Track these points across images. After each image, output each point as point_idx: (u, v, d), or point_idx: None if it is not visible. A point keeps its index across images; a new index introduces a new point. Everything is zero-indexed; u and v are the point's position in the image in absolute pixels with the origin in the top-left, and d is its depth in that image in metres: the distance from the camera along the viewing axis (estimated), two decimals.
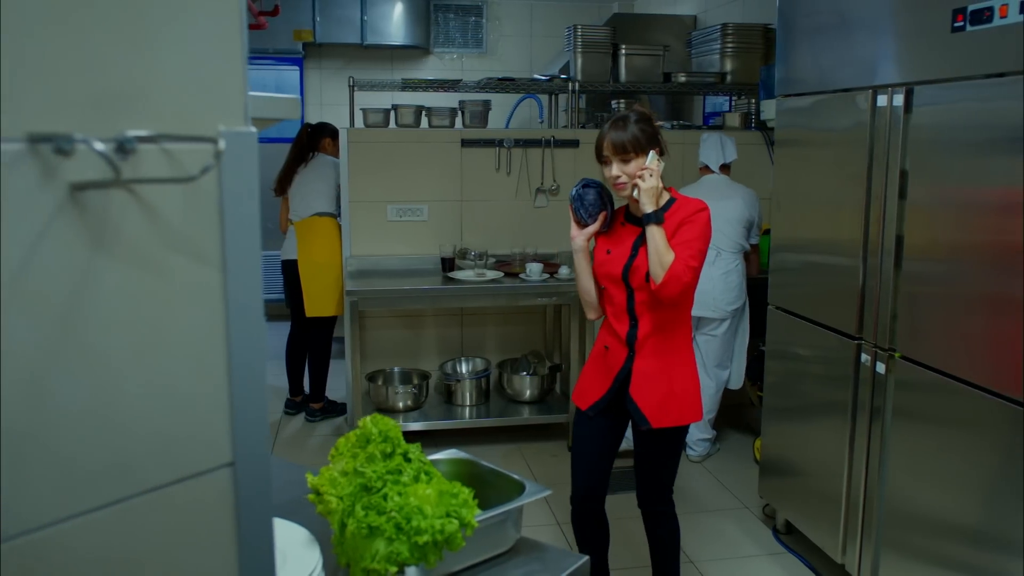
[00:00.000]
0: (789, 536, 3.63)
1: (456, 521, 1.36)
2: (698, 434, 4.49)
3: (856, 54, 2.99)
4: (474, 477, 1.67)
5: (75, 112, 0.77)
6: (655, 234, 2.48)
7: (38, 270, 0.75)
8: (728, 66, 5.39)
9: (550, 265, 4.65)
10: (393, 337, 4.99)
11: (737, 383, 4.52)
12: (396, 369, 4.91)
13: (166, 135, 0.80)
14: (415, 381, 4.81)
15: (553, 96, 5.81)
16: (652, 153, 2.55)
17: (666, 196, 2.61)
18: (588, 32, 5.32)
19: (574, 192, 2.67)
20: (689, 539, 3.64)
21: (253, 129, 0.90)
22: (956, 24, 2.46)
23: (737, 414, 5.12)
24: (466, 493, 1.43)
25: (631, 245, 2.61)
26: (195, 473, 0.88)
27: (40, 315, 0.75)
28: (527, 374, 4.91)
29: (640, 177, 2.52)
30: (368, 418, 1.49)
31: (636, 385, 2.61)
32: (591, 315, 2.80)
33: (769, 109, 4.81)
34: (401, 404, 4.65)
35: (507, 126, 6.71)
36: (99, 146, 0.72)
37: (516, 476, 1.63)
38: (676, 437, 2.69)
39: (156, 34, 0.82)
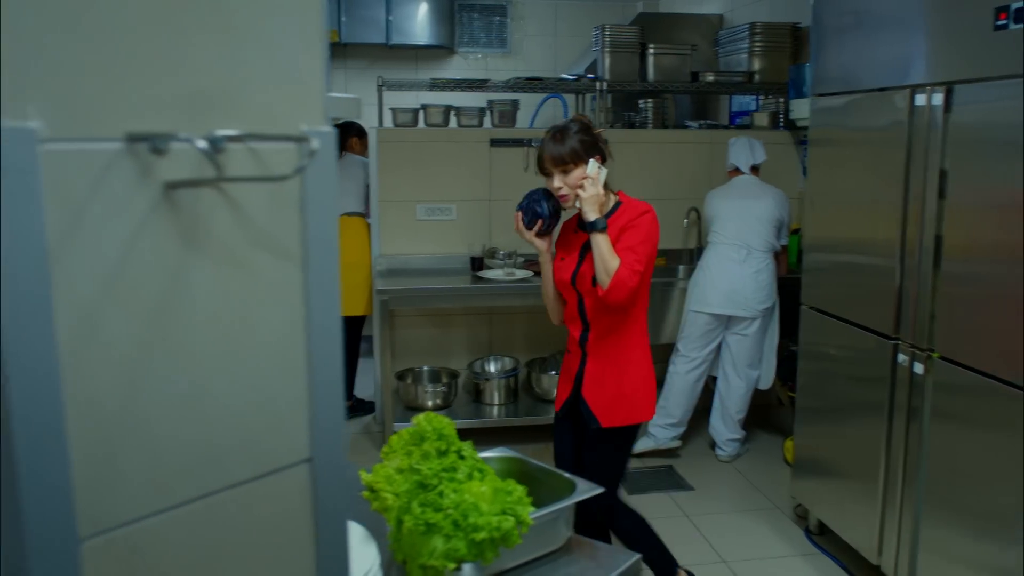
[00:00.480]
0: (822, 537, 3.62)
1: (513, 518, 1.37)
2: (728, 434, 4.48)
3: (893, 53, 2.97)
4: (524, 475, 1.68)
5: (166, 112, 0.78)
6: (599, 241, 2.53)
7: (133, 267, 0.76)
8: (756, 65, 5.36)
9: None
10: (422, 336, 5.01)
11: (767, 383, 4.50)
12: (425, 368, 4.92)
13: (258, 134, 0.81)
14: (444, 380, 4.82)
15: (580, 96, 5.80)
16: (592, 161, 2.59)
17: (613, 200, 2.66)
18: (616, 32, 5.31)
19: (538, 208, 2.67)
20: (721, 539, 3.64)
21: (333, 128, 0.91)
22: (999, 22, 2.44)
23: (765, 414, 5.11)
24: (520, 491, 1.44)
25: (579, 252, 2.67)
26: (276, 468, 0.90)
27: (135, 312, 0.77)
28: (555, 373, 4.91)
29: (580, 187, 2.56)
30: (423, 416, 1.50)
31: (587, 386, 2.70)
32: (554, 320, 2.88)
33: (799, 109, 4.80)
34: (430, 403, 4.67)
35: (531, 126, 6.71)
36: (201, 144, 0.73)
37: (566, 475, 1.64)
38: (624, 436, 2.73)
39: (243, 34, 0.83)
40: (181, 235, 0.79)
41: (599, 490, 1.59)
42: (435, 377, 4.89)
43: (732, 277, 4.24)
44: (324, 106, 0.90)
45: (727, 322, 4.35)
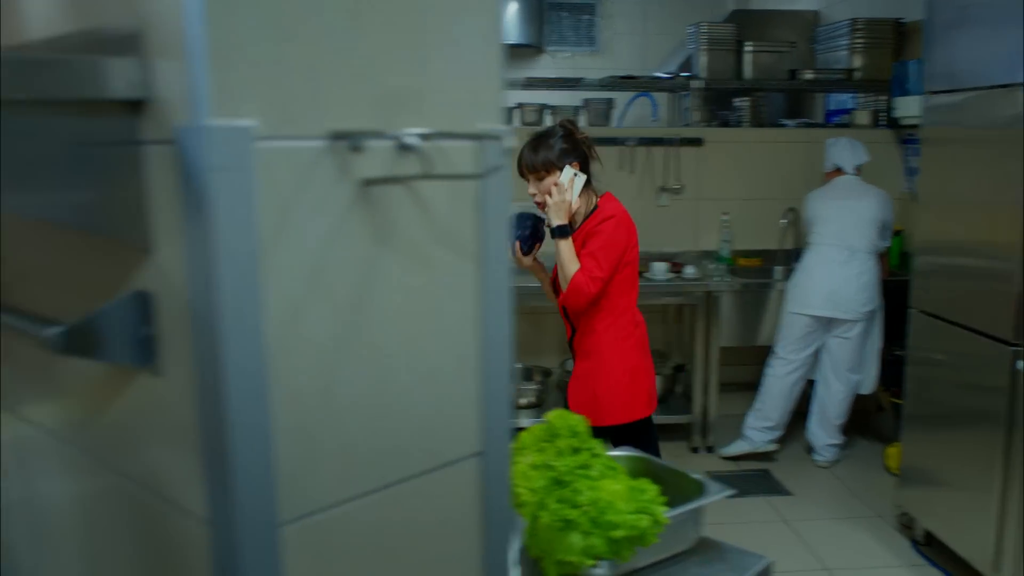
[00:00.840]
0: (929, 547, 3.51)
1: (649, 517, 1.37)
2: (827, 439, 4.38)
3: (1013, 47, 2.86)
4: (650, 474, 1.67)
5: (361, 111, 0.80)
6: (561, 247, 2.63)
7: (331, 263, 0.79)
8: (856, 62, 5.22)
9: (675, 264, 4.60)
10: (514, 334, 5.02)
11: (869, 388, 4.39)
12: (518, 365, 4.94)
13: (449, 133, 0.83)
14: (537, 378, 4.83)
15: (674, 94, 5.75)
16: (568, 168, 2.62)
17: (594, 204, 2.71)
18: (713, 29, 5.24)
19: (517, 232, 2.72)
20: (823, 546, 3.56)
21: (510, 127, 0.92)
22: None
23: (864, 420, 4.97)
24: (654, 490, 1.44)
25: None
26: (450, 461, 0.91)
27: (332, 307, 0.79)
28: None
29: (549, 193, 2.62)
30: (555, 413, 1.51)
31: (570, 386, 2.82)
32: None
33: (904, 107, 4.66)
34: (523, 401, 4.68)
35: (620, 124, 6.67)
36: (413, 140, 0.75)
37: (695, 475, 1.62)
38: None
39: (432, 36, 0.84)
40: (373, 232, 0.81)
41: (729, 492, 1.57)
42: (528, 375, 4.90)
43: (834, 279, 4.14)
44: (501, 105, 0.91)
45: (828, 325, 4.25)
